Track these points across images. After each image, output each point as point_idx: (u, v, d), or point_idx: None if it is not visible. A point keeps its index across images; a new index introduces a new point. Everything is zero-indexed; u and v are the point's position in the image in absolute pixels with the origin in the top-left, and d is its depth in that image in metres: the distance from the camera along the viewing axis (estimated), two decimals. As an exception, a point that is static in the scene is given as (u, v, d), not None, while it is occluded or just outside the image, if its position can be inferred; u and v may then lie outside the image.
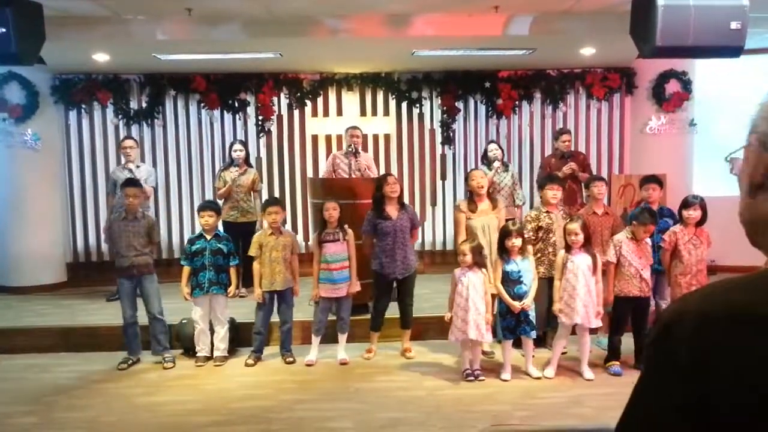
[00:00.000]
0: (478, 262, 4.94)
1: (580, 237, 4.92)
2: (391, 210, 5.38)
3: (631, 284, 5.04)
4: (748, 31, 4.79)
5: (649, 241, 5.16)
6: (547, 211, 5.41)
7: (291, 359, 5.41)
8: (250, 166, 7.04)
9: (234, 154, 6.85)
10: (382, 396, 4.72)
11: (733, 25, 4.74)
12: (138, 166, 6.82)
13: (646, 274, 5.06)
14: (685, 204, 5.20)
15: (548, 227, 5.37)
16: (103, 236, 7.53)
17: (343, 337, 5.47)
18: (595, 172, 7.07)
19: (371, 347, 5.55)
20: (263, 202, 6.11)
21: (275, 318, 5.53)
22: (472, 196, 5.45)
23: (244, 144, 7.09)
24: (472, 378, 4.95)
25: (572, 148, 6.98)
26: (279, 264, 5.36)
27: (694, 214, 5.12)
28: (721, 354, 0.71)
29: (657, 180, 5.75)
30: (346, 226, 5.43)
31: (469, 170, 5.87)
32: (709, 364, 0.71)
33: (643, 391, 0.79)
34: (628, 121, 8.00)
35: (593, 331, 5.18)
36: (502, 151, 6.85)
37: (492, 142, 7.05)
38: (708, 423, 0.72)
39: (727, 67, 7.05)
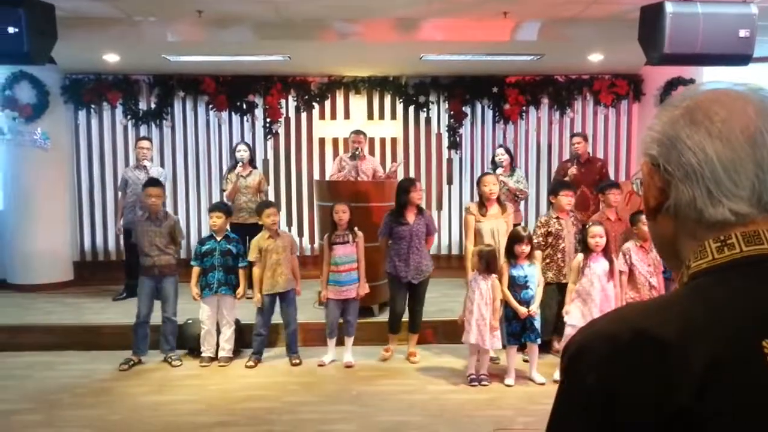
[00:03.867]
0: (489, 267, 4.91)
1: (603, 240, 4.92)
2: (409, 215, 5.38)
3: (641, 292, 5.02)
4: (756, 39, 4.79)
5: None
6: (557, 217, 5.41)
7: (297, 361, 5.41)
8: (254, 167, 7.06)
9: (238, 155, 6.86)
10: (386, 399, 4.72)
11: (742, 33, 4.75)
12: (150, 167, 6.87)
13: (655, 281, 5.03)
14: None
15: (558, 233, 5.36)
16: (115, 235, 7.59)
17: (349, 340, 5.46)
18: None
19: (389, 347, 5.54)
20: (257, 205, 5.97)
21: (277, 319, 5.53)
22: (482, 200, 5.45)
23: (249, 145, 7.11)
24: (476, 383, 4.95)
25: (583, 153, 6.84)
26: (281, 266, 5.36)
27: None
28: (626, 377, 0.72)
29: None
30: (356, 228, 5.44)
31: (480, 175, 5.85)
32: (615, 387, 0.72)
33: (558, 417, 0.80)
34: (636, 128, 7.99)
35: None
36: (511, 156, 6.82)
37: (500, 146, 6.98)
38: None
39: (735, 76, 7.04)
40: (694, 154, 0.81)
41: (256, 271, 5.40)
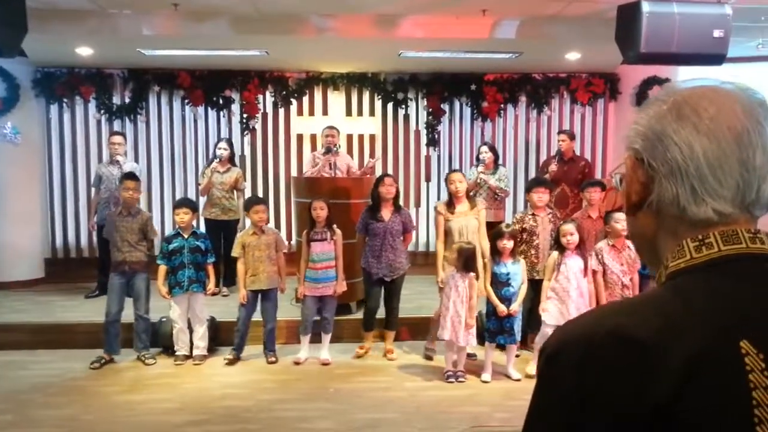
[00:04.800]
0: (467, 266, 4.90)
1: (575, 238, 4.95)
2: (385, 212, 5.36)
3: (614, 291, 5.06)
4: (730, 40, 4.85)
5: (632, 245, 5.18)
6: (533, 214, 5.44)
7: (273, 359, 5.36)
8: (234, 165, 7.00)
9: (218, 152, 6.80)
10: (362, 396, 4.70)
11: (716, 33, 4.81)
12: (124, 162, 6.76)
13: (628, 280, 5.08)
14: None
15: (532, 230, 5.40)
16: (88, 232, 7.46)
17: (326, 338, 5.42)
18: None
19: (365, 345, 5.53)
20: (245, 201, 6.03)
21: (257, 317, 5.47)
22: (451, 198, 5.44)
23: (230, 143, 7.04)
24: (453, 379, 4.95)
25: (567, 150, 6.79)
26: (263, 263, 5.31)
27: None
28: (603, 378, 0.72)
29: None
30: (334, 225, 5.40)
31: (448, 172, 5.86)
32: (592, 388, 0.72)
33: (536, 418, 0.79)
34: (612, 127, 8.07)
35: None
36: (495, 153, 6.78)
37: (485, 143, 6.93)
38: None
39: (710, 76, 7.13)
40: (680, 150, 0.79)
41: (240, 266, 5.34)
